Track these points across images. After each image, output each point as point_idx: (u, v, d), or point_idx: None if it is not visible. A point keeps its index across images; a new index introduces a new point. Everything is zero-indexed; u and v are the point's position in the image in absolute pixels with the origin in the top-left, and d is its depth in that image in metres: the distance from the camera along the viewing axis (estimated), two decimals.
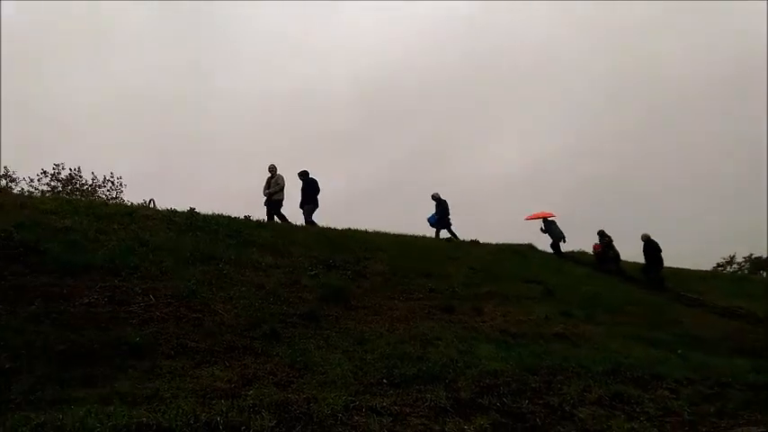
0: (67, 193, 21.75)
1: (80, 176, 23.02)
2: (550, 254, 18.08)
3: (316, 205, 14.64)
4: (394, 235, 15.20)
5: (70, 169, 22.80)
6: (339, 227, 13.54)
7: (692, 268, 23.05)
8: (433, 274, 10.08)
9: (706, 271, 26.06)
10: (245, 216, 11.59)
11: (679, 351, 7.91)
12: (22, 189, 21.08)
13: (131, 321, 4.89)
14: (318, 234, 11.50)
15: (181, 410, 3.39)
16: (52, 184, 22.37)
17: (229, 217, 11.02)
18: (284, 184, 14.28)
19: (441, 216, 16.75)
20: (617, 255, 17.81)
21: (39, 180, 22.04)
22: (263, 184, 14.39)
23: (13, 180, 21.44)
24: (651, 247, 16.90)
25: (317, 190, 14.78)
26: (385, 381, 4.60)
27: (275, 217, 13.99)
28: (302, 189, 14.74)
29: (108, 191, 23.33)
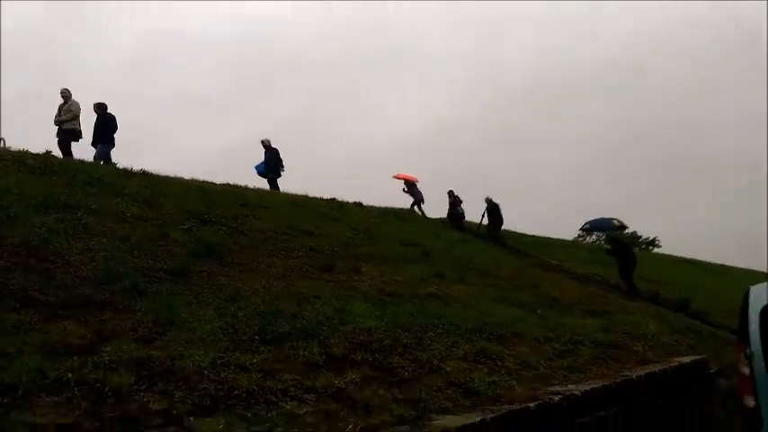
0: None
1: None
2: (430, 219, 18.78)
3: (112, 144, 13.03)
4: (281, 193, 14.93)
5: None
6: (218, 181, 12.99)
7: (554, 237, 25.06)
8: (314, 234, 9.98)
9: (567, 240, 28.49)
10: (113, 165, 10.68)
11: (538, 311, 8.55)
12: None
13: None
14: (194, 187, 10.90)
15: (26, 367, 3.04)
16: None
17: (89, 162, 10.08)
18: (79, 112, 12.59)
19: (270, 164, 16.62)
20: (461, 214, 19.93)
21: None
22: (56, 112, 12.63)
23: None
24: (494, 208, 19.20)
25: (115, 127, 13.05)
26: (257, 337, 4.47)
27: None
28: (96, 125, 12.94)
29: None
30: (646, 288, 14.77)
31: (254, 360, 4.03)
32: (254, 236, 8.61)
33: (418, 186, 21.12)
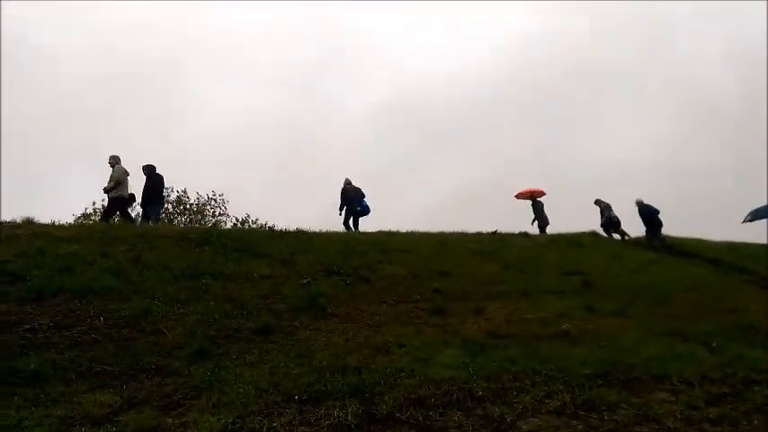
0: (177, 215, 23.22)
1: (187, 197, 24.25)
2: (614, 240, 16.74)
3: (161, 204, 13.54)
4: (439, 233, 14.72)
5: (177, 191, 24.06)
6: (373, 230, 13.34)
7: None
8: (450, 274, 9.55)
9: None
10: (269, 228, 11.64)
11: (714, 344, 6.88)
12: (138, 214, 22.67)
13: (60, 346, 4.94)
14: (338, 240, 11.29)
15: None
16: (165, 207, 23.70)
17: (249, 229, 11.09)
18: (122, 178, 12.47)
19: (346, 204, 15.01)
20: (615, 220, 17.42)
21: None
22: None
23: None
24: (648, 211, 16.69)
25: (162, 187, 13.38)
26: (296, 397, 4.28)
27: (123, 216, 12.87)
28: (146, 186, 13.00)
29: (211, 208, 24.50)
30: None
31: (274, 424, 3.84)
32: (379, 283, 8.52)
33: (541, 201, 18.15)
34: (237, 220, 24.10)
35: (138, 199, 12.97)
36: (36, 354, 4.68)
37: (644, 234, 16.94)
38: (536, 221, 17.59)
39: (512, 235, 14.98)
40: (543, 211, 17.71)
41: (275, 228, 11.88)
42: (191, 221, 23.69)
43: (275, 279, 7.97)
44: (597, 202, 17.72)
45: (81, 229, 9.73)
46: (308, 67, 78.77)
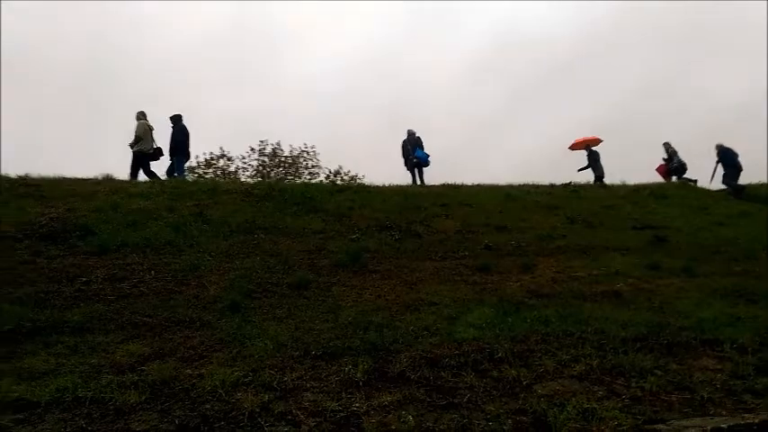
0: (271, 168, 24.34)
1: (281, 150, 25.24)
2: (702, 190, 15.46)
3: (186, 156, 13.35)
4: (508, 186, 14.27)
5: (272, 144, 25.07)
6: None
7: None
8: (508, 228, 9.32)
9: None
10: (331, 182, 11.82)
11: None
12: (237, 167, 24.03)
13: (109, 298, 5.37)
14: (397, 193, 11.27)
15: (57, 387, 3.65)
16: (262, 159, 24.86)
17: (312, 184, 11.33)
18: (142, 133, 12.42)
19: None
20: (681, 165, 16.38)
21: (249, 157, 24.66)
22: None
23: (229, 159, 24.39)
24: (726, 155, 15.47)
25: (186, 139, 13.14)
26: (313, 353, 4.42)
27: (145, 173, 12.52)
28: (177, 139, 12.99)
29: (304, 160, 25.36)
30: None
31: (285, 378, 3.99)
32: (429, 238, 8.48)
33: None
34: (330, 172, 24.70)
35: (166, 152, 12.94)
36: (86, 305, 5.12)
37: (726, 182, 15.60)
38: (587, 169, 16.69)
39: (588, 186, 14.27)
40: (599, 160, 16.69)
41: (355, 180, 12.03)
42: (285, 174, 24.53)
43: (325, 234, 8.14)
44: (666, 146, 16.64)
45: (153, 185, 10.36)
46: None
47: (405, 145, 14.63)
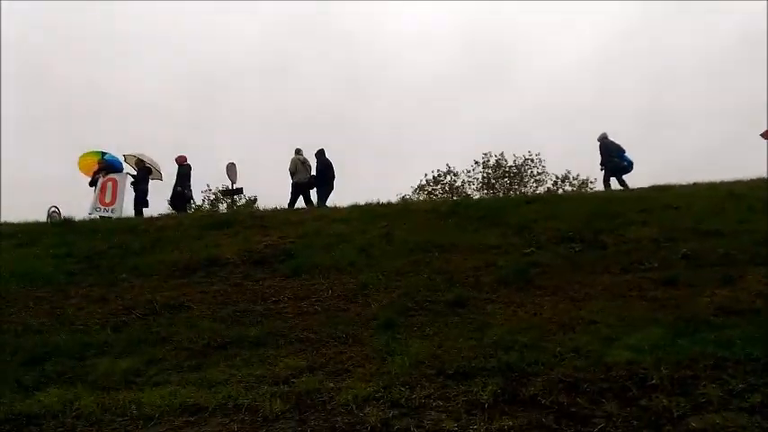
0: (496, 179, 25.21)
1: (505, 161, 25.82)
2: None
3: (330, 188, 14.52)
4: (735, 182, 12.26)
5: (495, 155, 25.85)
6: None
7: None
8: (721, 233, 8.08)
9: None
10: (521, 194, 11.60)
11: None
12: (462, 181, 25.42)
13: (288, 315, 6.13)
14: (597, 202, 10.54)
15: (224, 395, 4.37)
16: (486, 171, 25.81)
17: (499, 198, 11.26)
18: (292, 167, 14.44)
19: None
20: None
21: (473, 170, 25.89)
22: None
23: (455, 174, 25.93)
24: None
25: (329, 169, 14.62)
26: (448, 372, 4.51)
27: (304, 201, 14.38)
28: (318, 170, 14.57)
29: (528, 168, 25.56)
30: None
31: (413, 396, 4.16)
32: (615, 248, 7.82)
33: None
34: (557, 178, 24.21)
35: None
36: (268, 322, 5.95)
37: None
38: None
39: None
40: None
41: (586, 184, 11.69)
42: (510, 184, 24.73)
43: (500, 249, 8.07)
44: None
45: (353, 210, 11.39)
46: None
47: (604, 148, 13.65)
